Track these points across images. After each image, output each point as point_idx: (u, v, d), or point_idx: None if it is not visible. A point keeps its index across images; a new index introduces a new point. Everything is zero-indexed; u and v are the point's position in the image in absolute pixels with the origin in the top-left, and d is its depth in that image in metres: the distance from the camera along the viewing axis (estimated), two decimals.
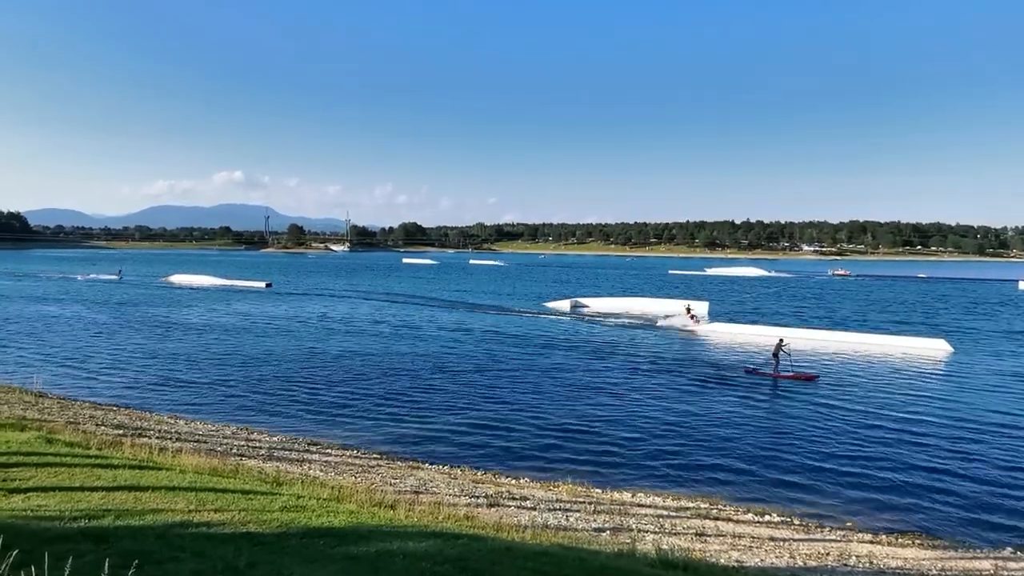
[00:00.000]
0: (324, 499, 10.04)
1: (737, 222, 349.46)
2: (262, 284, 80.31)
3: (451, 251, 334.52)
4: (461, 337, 38.44)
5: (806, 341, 37.91)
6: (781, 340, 29.41)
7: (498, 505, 12.81)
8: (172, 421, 19.69)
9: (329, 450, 17.21)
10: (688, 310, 46.89)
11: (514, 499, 13.40)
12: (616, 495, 14.40)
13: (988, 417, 21.99)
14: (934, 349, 36.37)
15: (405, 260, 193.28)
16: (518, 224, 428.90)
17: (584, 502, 13.50)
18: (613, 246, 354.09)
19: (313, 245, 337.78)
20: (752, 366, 29.80)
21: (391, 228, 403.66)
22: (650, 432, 19.49)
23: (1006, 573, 10.79)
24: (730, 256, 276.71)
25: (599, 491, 14.67)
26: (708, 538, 11.64)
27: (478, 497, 13.25)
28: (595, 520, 12.25)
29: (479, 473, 15.83)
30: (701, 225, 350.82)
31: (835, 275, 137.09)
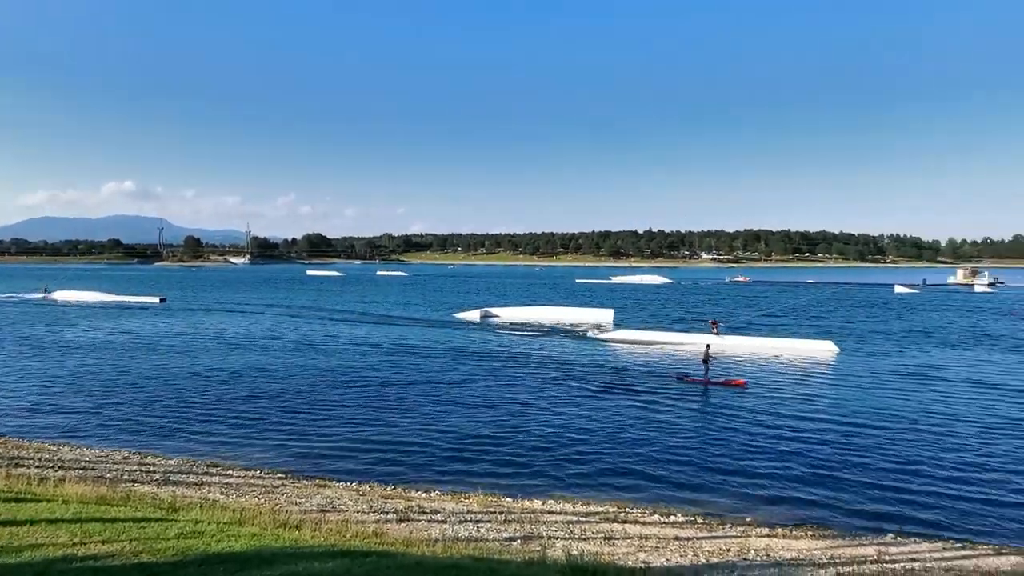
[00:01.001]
0: (224, 523, 9.61)
1: (640, 231, 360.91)
2: (156, 299, 76.19)
3: (358, 262, 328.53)
4: (368, 351, 37.76)
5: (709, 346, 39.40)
6: (708, 347, 29.94)
7: (408, 520, 12.63)
8: (54, 448, 18.35)
9: (230, 472, 16.50)
10: (713, 324, 44.11)
11: (425, 513, 13.25)
12: (527, 504, 14.49)
13: (871, 413, 23.53)
14: (823, 351, 38.65)
15: (309, 272, 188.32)
16: (427, 234, 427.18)
17: (495, 512, 13.50)
18: (522, 256, 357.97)
19: (211, 258, 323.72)
20: (683, 373, 30.46)
21: (294, 239, 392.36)
22: (561, 440, 19.73)
23: (887, 557, 11.55)
24: (634, 264, 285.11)
25: (510, 501, 14.72)
26: (616, 541, 11.88)
27: (387, 513, 13.02)
28: (506, 530, 12.27)
29: (388, 488, 15.57)
30: (606, 235, 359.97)
31: (734, 281, 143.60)
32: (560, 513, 13.80)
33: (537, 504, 14.46)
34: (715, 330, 41.95)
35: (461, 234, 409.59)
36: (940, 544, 12.63)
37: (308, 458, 17.97)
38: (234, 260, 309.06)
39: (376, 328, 49.80)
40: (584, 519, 13.37)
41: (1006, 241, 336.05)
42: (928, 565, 11.24)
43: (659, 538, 12.18)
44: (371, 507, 13.48)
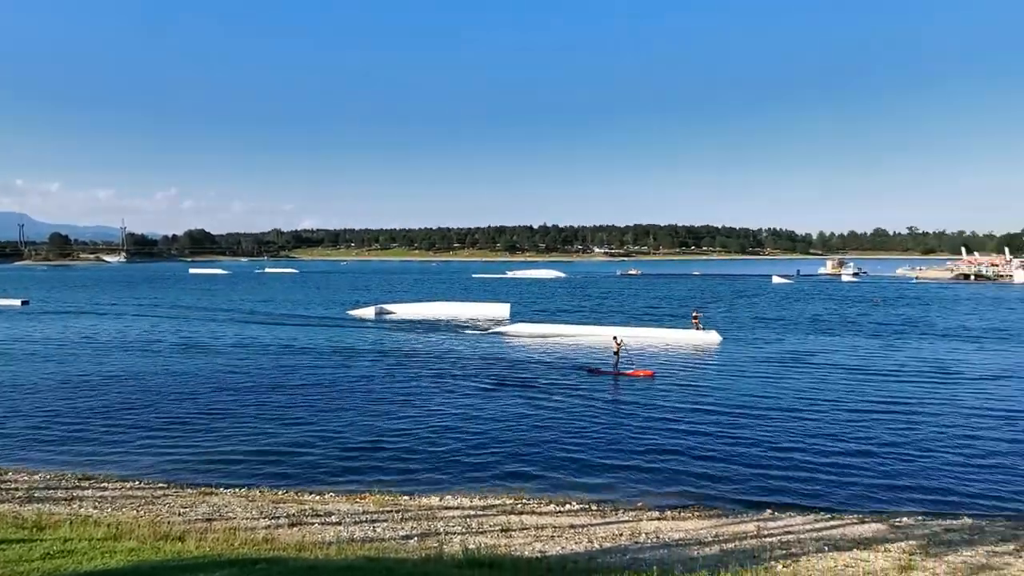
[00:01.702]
0: (98, 539, 9.00)
1: (535, 227, 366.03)
2: (17, 302, 69.99)
3: (245, 260, 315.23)
4: (256, 352, 36.31)
5: (604, 337, 40.55)
6: (616, 338, 30.45)
7: (301, 524, 12.26)
8: None
9: (105, 484, 15.45)
10: (696, 317, 44.45)
11: (319, 516, 12.91)
12: (425, 501, 14.41)
13: (752, 399, 24.94)
14: (707, 340, 40.57)
15: (192, 270, 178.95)
16: (318, 230, 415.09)
17: (392, 511, 13.35)
18: (417, 251, 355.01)
19: (82, 256, 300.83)
20: (593, 366, 30.89)
21: (175, 236, 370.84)
22: (459, 436, 19.72)
23: (766, 531, 12.29)
24: (529, 259, 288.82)
25: (407, 499, 14.58)
26: (513, 533, 12.02)
27: (279, 518, 12.59)
28: (403, 528, 12.15)
29: (280, 492, 15.06)
30: (502, 230, 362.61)
31: (625, 275, 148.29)
32: (458, 508, 13.80)
33: (434, 501, 14.40)
34: (696, 324, 42.63)
35: (354, 229, 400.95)
36: (812, 516, 13.56)
37: (192, 466, 17.09)
38: (108, 258, 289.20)
39: (264, 328, 47.95)
40: (482, 513, 13.44)
41: (868, 234, 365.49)
42: (801, 536, 12.04)
43: (555, 527, 12.42)
44: (261, 513, 13.00)
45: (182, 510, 13.09)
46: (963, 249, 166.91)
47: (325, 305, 68.90)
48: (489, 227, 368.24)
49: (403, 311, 57.46)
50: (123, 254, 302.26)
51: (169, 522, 11.54)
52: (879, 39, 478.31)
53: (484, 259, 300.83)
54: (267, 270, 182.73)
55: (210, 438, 19.44)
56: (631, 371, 29.30)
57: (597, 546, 11.29)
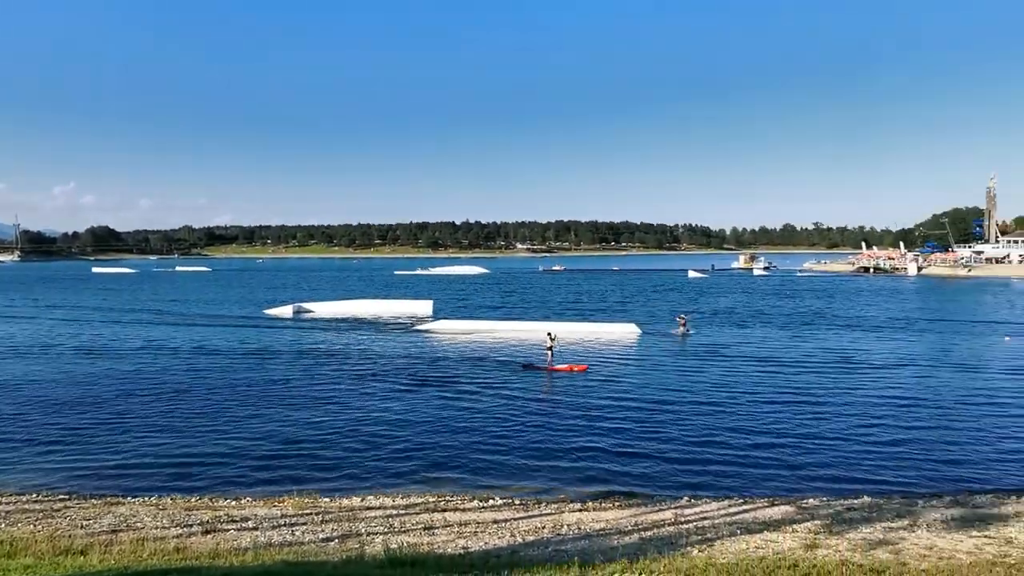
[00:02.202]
0: None
1: (458, 223, 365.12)
2: None
3: (154, 258, 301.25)
4: (166, 354, 34.71)
5: (527, 332, 40.93)
6: (550, 334, 30.52)
7: (215, 531, 11.82)
8: None
9: None
10: (682, 319, 43.88)
11: (234, 522, 12.48)
12: (346, 502, 14.14)
13: (669, 390, 25.68)
14: (627, 333, 41.51)
15: (96, 269, 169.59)
16: (232, 227, 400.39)
17: (312, 514, 13.04)
18: (337, 248, 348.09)
19: None
20: (528, 361, 30.86)
21: (76, 233, 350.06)
22: (382, 436, 19.45)
23: (683, 518, 12.68)
24: (452, 256, 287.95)
25: (328, 500, 14.28)
26: (436, 530, 11.96)
27: (191, 526, 12.10)
28: (323, 530, 11.90)
29: (193, 500, 14.46)
30: (424, 226, 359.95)
31: (548, 271, 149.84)
32: (380, 508, 13.63)
33: (356, 502, 14.16)
34: (683, 325, 42.68)
35: (270, 226, 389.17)
36: (726, 502, 14.07)
37: (97, 476, 16.19)
38: (0, 257, 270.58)
39: (175, 329, 45.91)
40: (404, 512, 13.31)
41: (777, 229, 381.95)
42: (716, 522, 12.48)
43: (478, 523, 12.43)
44: (172, 521, 12.46)
45: (85, 522, 12.40)
46: (863, 244, 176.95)
47: (240, 304, 66.64)
48: (411, 223, 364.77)
49: (322, 309, 56.18)
50: (17, 252, 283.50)
51: (70, 535, 10.92)
52: (788, 39, 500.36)
53: (406, 255, 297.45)
54: (178, 268, 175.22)
55: (116, 447, 18.46)
56: (565, 366, 29.47)
57: (520, 539, 11.37)
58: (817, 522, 12.49)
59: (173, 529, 11.88)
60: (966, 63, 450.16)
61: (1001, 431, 19.94)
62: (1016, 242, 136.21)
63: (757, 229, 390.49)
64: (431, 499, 14.33)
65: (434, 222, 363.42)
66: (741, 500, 14.25)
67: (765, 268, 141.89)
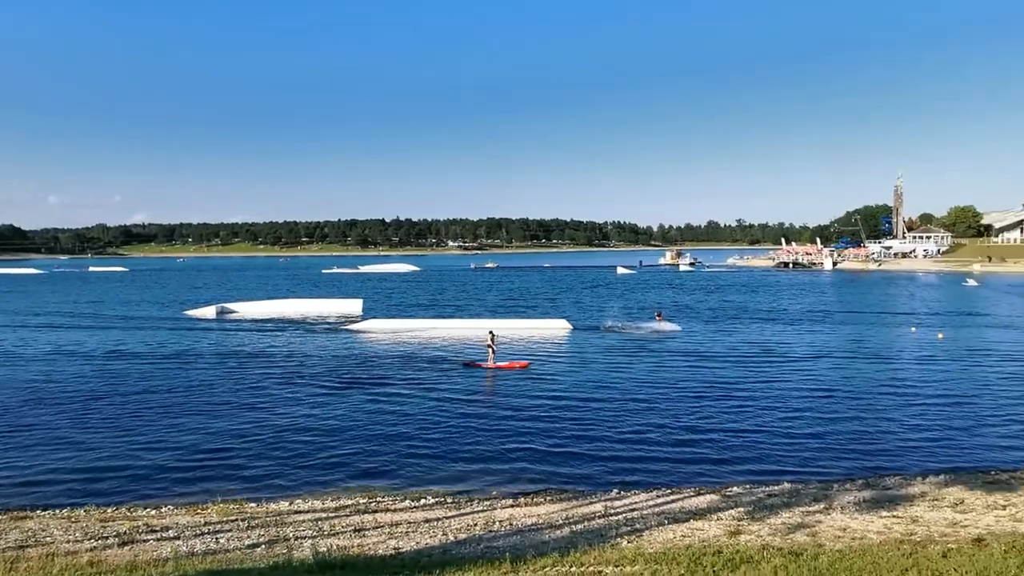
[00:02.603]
0: None
1: (388, 220, 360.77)
2: None
3: (65, 257, 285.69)
4: (77, 359, 32.88)
5: (461, 330, 40.88)
6: (491, 332, 30.48)
7: (133, 542, 11.32)
8: None
9: None
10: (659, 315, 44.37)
11: (154, 531, 11.98)
12: (273, 507, 13.78)
13: (600, 385, 26.10)
14: (559, 328, 41.97)
15: None
16: (150, 225, 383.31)
17: (237, 520, 12.65)
18: (263, 247, 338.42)
19: None
20: (469, 359, 30.63)
21: None
22: (309, 438, 19.03)
23: (613, 510, 12.91)
24: (383, 253, 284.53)
25: (254, 506, 13.87)
26: (367, 532, 11.79)
27: (107, 538, 11.54)
28: (249, 536, 11.56)
29: (109, 510, 13.78)
30: (353, 223, 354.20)
31: (480, 268, 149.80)
32: (309, 512, 13.34)
33: (284, 506, 13.82)
34: (659, 320, 43.15)
35: (192, 224, 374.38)
36: (654, 493, 14.40)
37: (1, 489, 15.26)
38: None
39: (88, 333, 43.61)
40: (334, 515, 13.07)
41: (702, 226, 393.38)
42: (644, 512, 12.76)
43: (410, 523, 12.33)
44: (86, 534, 11.85)
45: None
46: (783, 240, 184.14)
47: (158, 305, 63.95)
48: (340, 221, 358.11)
49: (247, 310, 54.54)
50: None
51: None
52: (709, 39, 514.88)
53: (335, 254, 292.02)
54: (91, 269, 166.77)
55: (24, 458, 17.40)
56: (506, 363, 29.45)
57: (452, 538, 11.34)
58: (740, 509, 12.93)
59: (87, 542, 11.31)
60: (875, 68, 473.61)
61: (909, 417, 21.13)
62: (921, 238, 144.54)
63: (683, 226, 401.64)
64: (362, 500, 14.12)
65: (364, 219, 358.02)
66: (669, 491, 14.60)
67: (691, 264, 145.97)
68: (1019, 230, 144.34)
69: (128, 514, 13.47)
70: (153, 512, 13.55)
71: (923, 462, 16.85)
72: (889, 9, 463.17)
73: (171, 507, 13.93)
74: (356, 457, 17.21)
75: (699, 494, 14.25)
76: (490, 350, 29.48)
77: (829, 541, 10.84)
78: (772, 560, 9.35)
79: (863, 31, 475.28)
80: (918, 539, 10.94)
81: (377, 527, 12.09)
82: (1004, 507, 13.05)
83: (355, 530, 11.89)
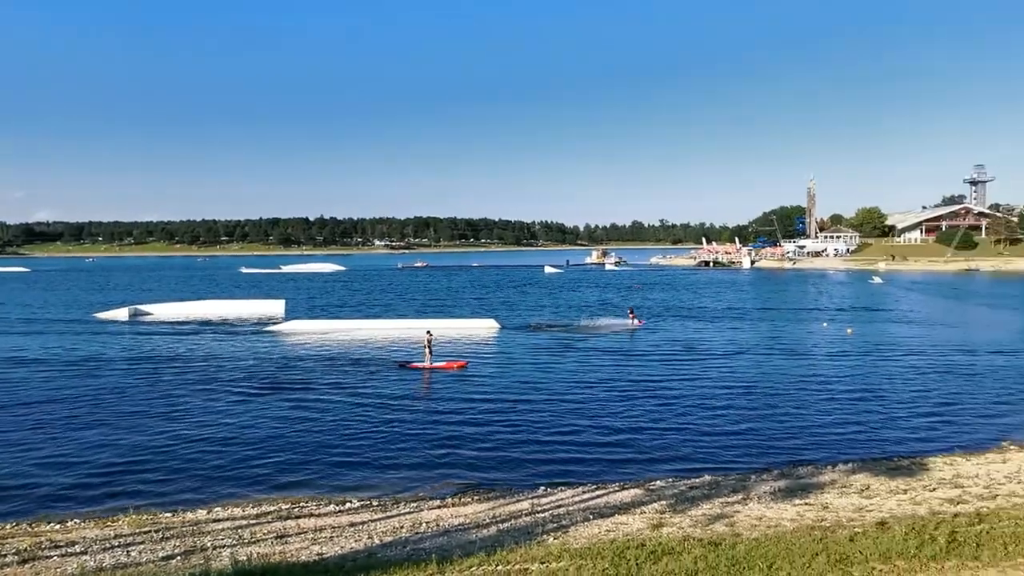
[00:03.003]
0: None
1: (312, 219, 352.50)
2: None
3: None
4: None
5: (387, 331, 40.38)
6: (429, 332, 30.13)
7: (35, 559, 10.68)
8: None
9: None
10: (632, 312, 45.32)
11: (58, 547, 11.33)
12: (190, 516, 13.25)
13: (527, 385, 26.27)
14: (487, 328, 42.00)
15: None
16: (56, 223, 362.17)
17: (151, 531, 12.10)
18: (179, 246, 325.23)
19: None
20: (404, 360, 30.07)
21: None
22: (228, 445, 18.38)
23: (539, 508, 13.02)
24: (306, 253, 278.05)
25: (169, 516, 13.30)
26: (290, 538, 11.49)
27: (5, 556, 10.84)
28: (164, 548, 11.08)
29: (8, 526, 12.94)
30: (275, 222, 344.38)
31: (407, 267, 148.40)
32: (228, 520, 12.89)
33: (201, 514, 13.31)
34: (632, 318, 43.60)
35: (102, 222, 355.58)
36: (580, 489, 14.58)
37: None
38: None
39: None
40: (255, 522, 12.67)
41: (627, 226, 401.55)
42: (570, 509, 12.91)
43: (334, 527, 12.09)
44: None
45: None
46: (704, 239, 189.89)
47: (65, 307, 60.48)
48: (261, 219, 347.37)
49: (162, 311, 52.32)
50: None
51: None
52: (632, 40, 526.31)
53: (256, 253, 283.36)
54: None
55: None
56: (443, 364, 29.16)
57: (378, 541, 11.18)
58: (663, 502, 13.25)
59: None
60: (789, 74, 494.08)
61: (821, 409, 22.16)
62: (831, 237, 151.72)
63: (609, 226, 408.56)
64: (284, 506, 13.75)
65: (287, 218, 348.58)
66: (595, 487, 14.81)
67: (616, 263, 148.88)
68: (919, 230, 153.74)
69: (30, 530, 12.70)
70: (58, 527, 12.82)
71: (834, 452, 17.67)
72: (798, 13, 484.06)
73: (78, 520, 13.20)
74: (279, 463, 16.74)
75: (624, 489, 14.52)
76: (427, 350, 29.20)
77: (746, 530, 11.23)
78: (692, 551, 9.61)
79: (774, 37, 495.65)
80: (828, 525, 11.47)
81: (300, 533, 11.81)
82: (905, 491, 13.83)
83: (277, 537, 11.57)
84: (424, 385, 25.82)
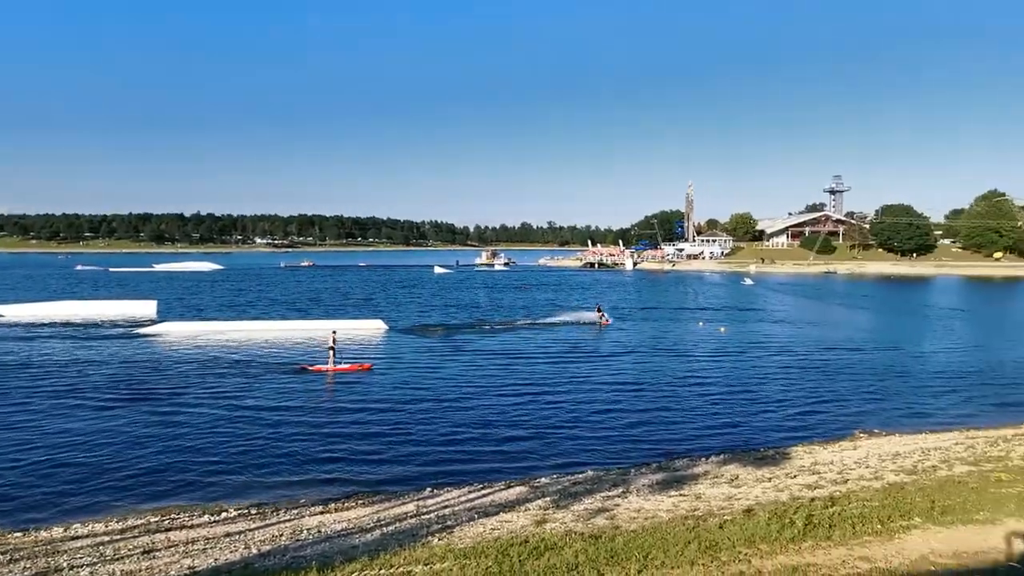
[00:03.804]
0: None
1: (187, 214, 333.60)
2: None
3: None
4: None
5: (271, 332, 38.92)
6: (334, 332, 29.42)
7: None
8: None
9: None
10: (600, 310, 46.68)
11: None
12: (43, 535, 12.23)
13: (414, 387, 26.10)
14: (375, 329, 41.30)
15: None
16: None
17: None
18: (35, 241, 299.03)
19: None
20: (306, 363, 28.91)
21: None
22: (89, 456, 17.10)
23: (425, 509, 12.96)
24: (181, 251, 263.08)
25: (19, 535, 12.22)
26: (159, 553, 10.84)
27: None
28: (11, 571, 10.17)
29: None
30: (146, 217, 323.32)
31: (293, 266, 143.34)
32: (88, 536, 12.00)
33: (58, 532, 12.31)
34: (601, 317, 45.33)
35: None
36: (466, 489, 14.64)
37: None
38: None
39: None
40: (120, 537, 11.87)
41: (516, 227, 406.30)
42: (456, 509, 12.93)
43: (208, 539, 11.52)
44: None
45: None
46: (589, 242, 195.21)
47: None
48: (131, 214, 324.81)
49: (16, 313, 47.86)
50: None
51: None
52: (521, 48, 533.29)
53: (125, 250, 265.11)
54: None
55: None
56: (347, 366, 28.46)
57: (255, 551, 10.76)
58: (547, 499, 13.52)
59: None
60: (670, 85, 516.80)
61: (698, 404, 23.42)
62: (708, 241, 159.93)
63: (498, 227, 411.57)
64: (153, 519, 12.96)
65: (160, 213, 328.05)
66: (481, 486, 14.91)
67: (505, 264, 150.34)
68: (786, 235, 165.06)
69: None
70: None
71: (708, 445, 18.68)
72: (677, 26, 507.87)
73: None
74: (147, 474, 15.76)
75: (510, 487, 14.70)
76: (331, 352, 28.41)
77: (625, 522, 11.65)
78: (574, 545, 9.88)
79: (654, 51, 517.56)
80: (700, 514, 12.09)
81: (170, 546, 11.17)
82: (770, 480, 14.80)
83: (144, 552, 10.89)
84: (323, 388, 25.08)
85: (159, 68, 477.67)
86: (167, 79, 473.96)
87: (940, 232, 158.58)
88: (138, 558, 10.59)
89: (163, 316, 46.46)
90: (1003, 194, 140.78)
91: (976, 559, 9.41)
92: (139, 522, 12.80)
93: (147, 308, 49.57)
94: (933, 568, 9.04)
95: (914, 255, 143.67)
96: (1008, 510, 11.49)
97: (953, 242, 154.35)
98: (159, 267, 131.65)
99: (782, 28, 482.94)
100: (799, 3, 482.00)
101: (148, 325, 41.66)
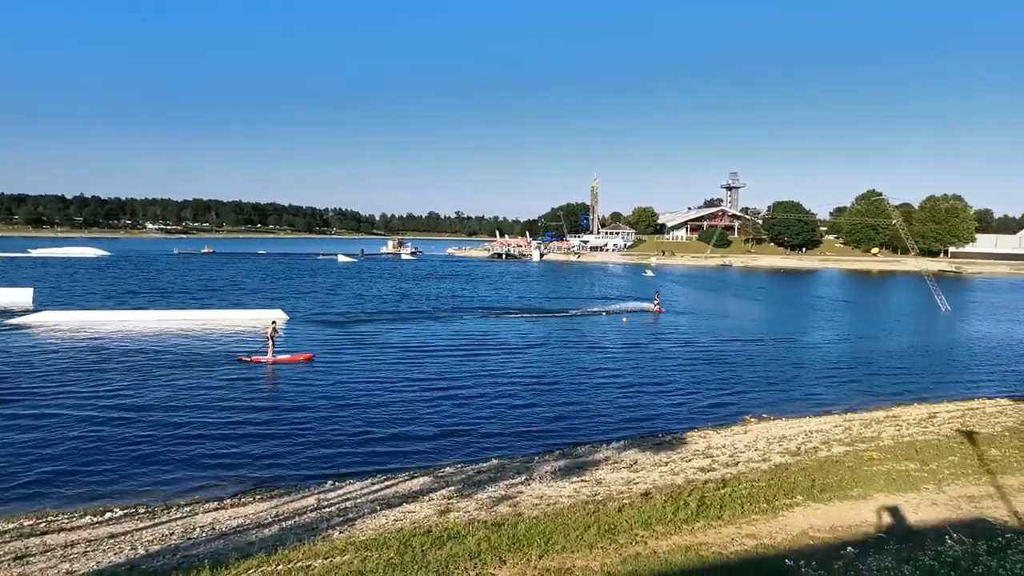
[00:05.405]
0: None
1: (69, 197, 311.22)
2: None
3: None
4: None
5: (160, 322, 36.92)
6: (274, 322, 28.88)
7: None
8: None
9: None
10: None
11: None
12: None
13: (322, 379, 25.42)
14: (275, 319, 39.89)
15: None
16: None
17: None
18: None
19: None
20: (246, 353, 27.82)
21: None
22: None
23: (326, 502, 12.68)
24: (62, 235, 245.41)
25: None
26: (33, 558, 10.12)
27: None
28: None
29: None
30: (22, 199, 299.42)
31: (187, 253, 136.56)
32: None
33: None
34: (656, 303, 47.39)
35: None
36: (369, 481, 14.43)
37: None
38: None
39: None
40: None
41: (424, 217, 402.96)
42: (359, 501, 12.73)
43: (90, 541, 10.85)
44: None
45: None
46: (497, 232, 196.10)
47: None
48: (3, 195, 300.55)
49: None
50: None
51: None
52: (452, 44, 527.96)
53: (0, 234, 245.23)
54: None
55: None
56: (287, 356, 27.88)
57: (143, 551, 10.22)
58: (451, 488, 13.52)
59: None
60: (577, 82, 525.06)
61: (600, 392, 24.05)
62: (612, 233, 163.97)
63: (405, 216, 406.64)
64: (27, 522, 12.07)
65: (36, 194, 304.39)
66: (384, 477, 14.74)
67: (412, 253, 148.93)
68: (685, 229, 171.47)
69: None
70: None
71: (609, 432, 19.18)
72: (588, 33, 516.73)
73: None
74: (19, 476, 14.66)
75: (413, 478, 14.60)
76: (270, 342, 27.75)
77: (528, 509, 11.80)
78: (477, 533, 9.92)
79: (567, 51, 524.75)
80: (600, 498, 12.40)
81: (47, 551, 10.44)
82: (667, 464, 15.37)
83: (16, 558, 10.13)
84: (220, 383, 23.99)
85: (34, 32, 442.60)
86: (45, 41, 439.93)
87: (825, 228, 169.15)
88: (8, 565, 9.84)
89: (41, 305, 43.28)
90: (880, 194, 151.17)
91: (850, 532, 10.12)
92: (10, 526, 11.89)
93: (23, 296, 46.08)
94: (812, 542, 9.65)
95: (803, 249, 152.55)
96: (878, 486, 12.41)
97: (836, 237, 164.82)
98: (36, 252, 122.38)
99: (682, 31, 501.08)
100: (698, 8, 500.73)
101: (24, 315, 38.65)
